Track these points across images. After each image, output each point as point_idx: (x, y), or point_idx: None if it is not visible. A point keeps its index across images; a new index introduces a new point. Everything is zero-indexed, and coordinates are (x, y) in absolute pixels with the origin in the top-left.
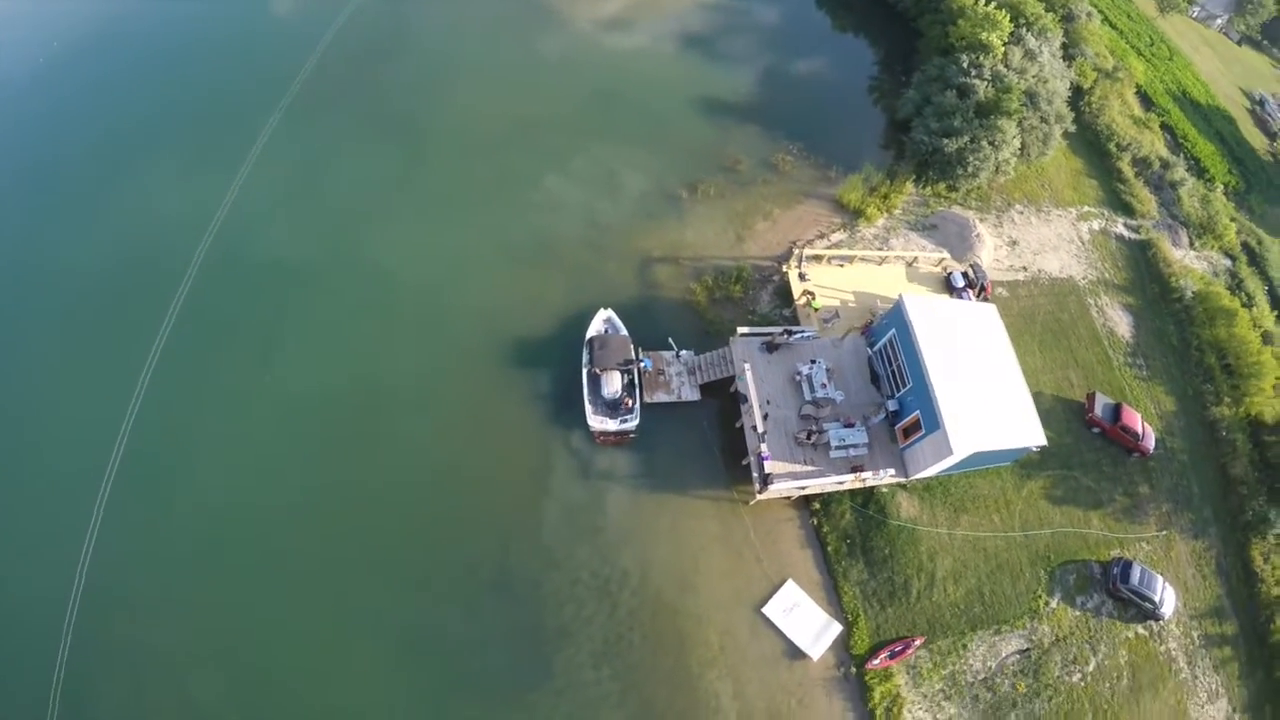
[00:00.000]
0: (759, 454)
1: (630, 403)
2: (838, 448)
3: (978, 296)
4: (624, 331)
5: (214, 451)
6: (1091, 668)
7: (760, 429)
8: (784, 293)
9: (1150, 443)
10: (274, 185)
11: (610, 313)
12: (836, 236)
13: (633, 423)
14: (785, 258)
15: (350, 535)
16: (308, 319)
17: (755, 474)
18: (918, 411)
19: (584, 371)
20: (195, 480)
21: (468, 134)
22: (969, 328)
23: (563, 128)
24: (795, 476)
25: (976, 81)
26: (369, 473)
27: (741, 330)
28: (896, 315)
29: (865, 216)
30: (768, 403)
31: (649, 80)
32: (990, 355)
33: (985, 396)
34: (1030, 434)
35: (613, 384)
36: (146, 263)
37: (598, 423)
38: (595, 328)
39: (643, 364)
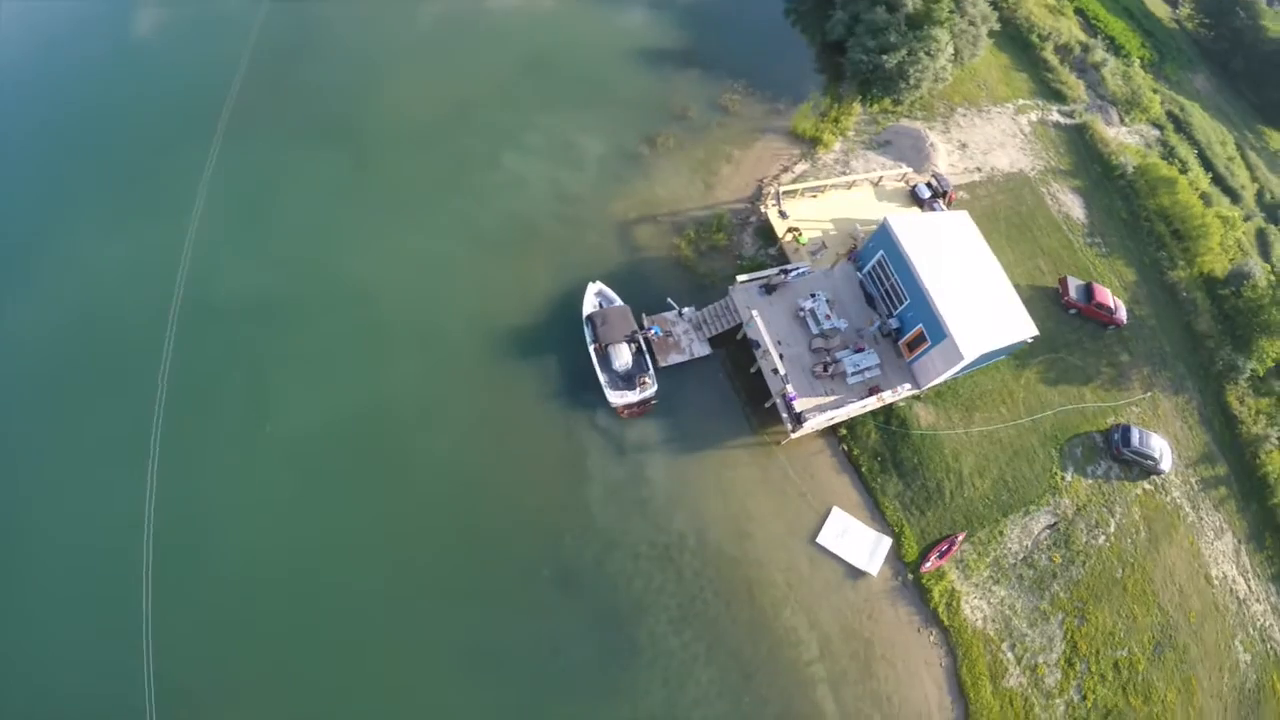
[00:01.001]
0: (785, 395)
1: (645, 371)
2: (854, 374)
3: (947, 205)
4: (619, 301)
5: (241, 519)
6: (1112, 528)
7: (781, 371)
8: (765, 232)
9: (1122, 314)
10: (229, 224)
11: (600, 285)
12: (799, 168)
13: (652, 389)
14: (756, 198)
15: (398, 568)
16: (296, 357)
17: (785, 415)
18: (921, 325)
19: (590, 349)
20: (231, 553)
21: (410, 127)
22: (949, 237)
23: (504, 103)
24: (822, 409)
25: None
26: (400, 500)
27: (740, 278)
28: (883, 237)
29: (822, 143)
30: (779, 343)
31: (574, 39)
32: (973, 259)
33: (979, 299)
34: (1023, 327)
35: (622, 356)
36: (119, 340)
37: (618, 397)
38: (590, 303)
39: (652, 331)
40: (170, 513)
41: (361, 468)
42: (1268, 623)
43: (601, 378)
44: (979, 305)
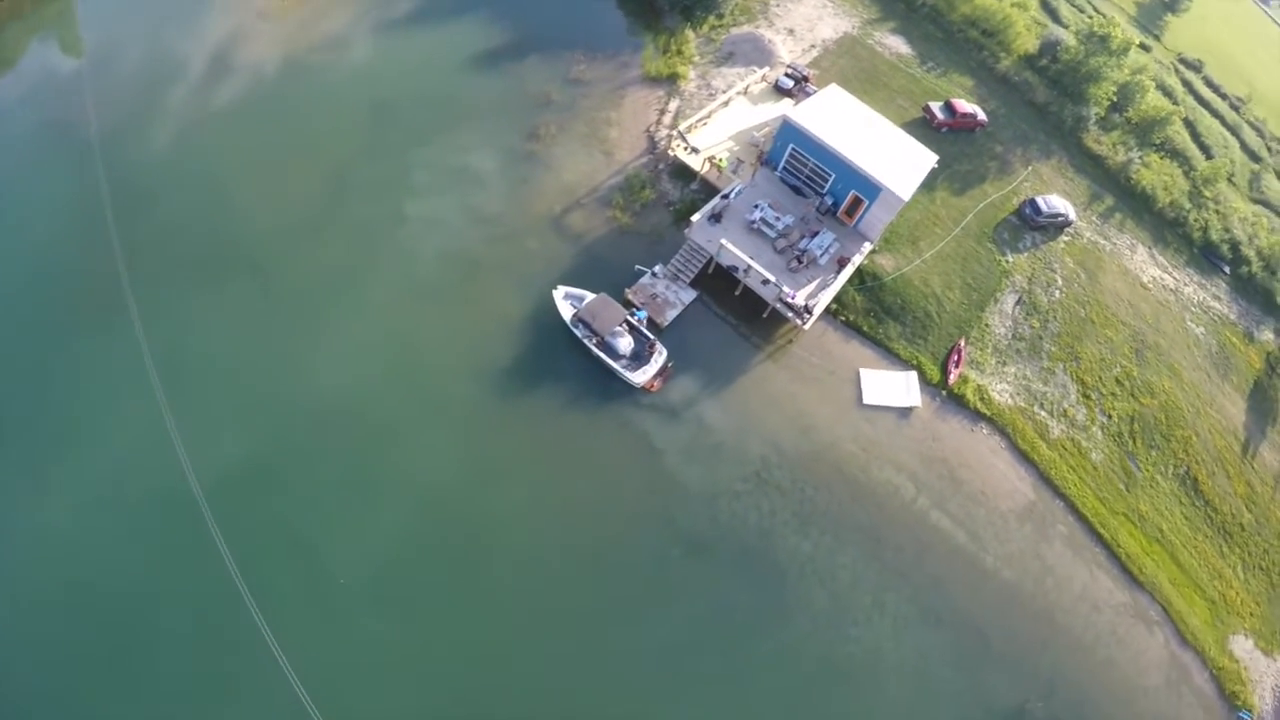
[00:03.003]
0: (784, 298)
1: (649, 341)
2: (822, 254)
3: (814, 86)
4: (590, 295)
5: (385, 679)
6: (1060, 282)
7: (772, 279)
8: (681, 173)
9: (982, 116)
10: (194, 399)
11: (565, 288)
12: (673, 105)
13: (664, 354)
14: (653, 148)
15: (552, 629)
16: (328, 498)
17: (791, 314)
18: (853, 190)
19: (591, 346)
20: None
21: (295, 220)
22: (836, 110)
23: (372, 156)
24: (814, 295)
25: None
26: (511, 569)
27: (694, 218)
28: (789, 131)
29: (679, 77)
30: (752, 258)
31: (408, 70)
32: (862, 120)
33: (886, 149)
34: (926, 157)
35: (623, 340)
36: (179, 568)
37: (639, 375)
38: (564, 310)
39: (637, 316)
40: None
41: (456, 563)
42: (1200, 297)
43: (615, 366)
44: (889, 154)
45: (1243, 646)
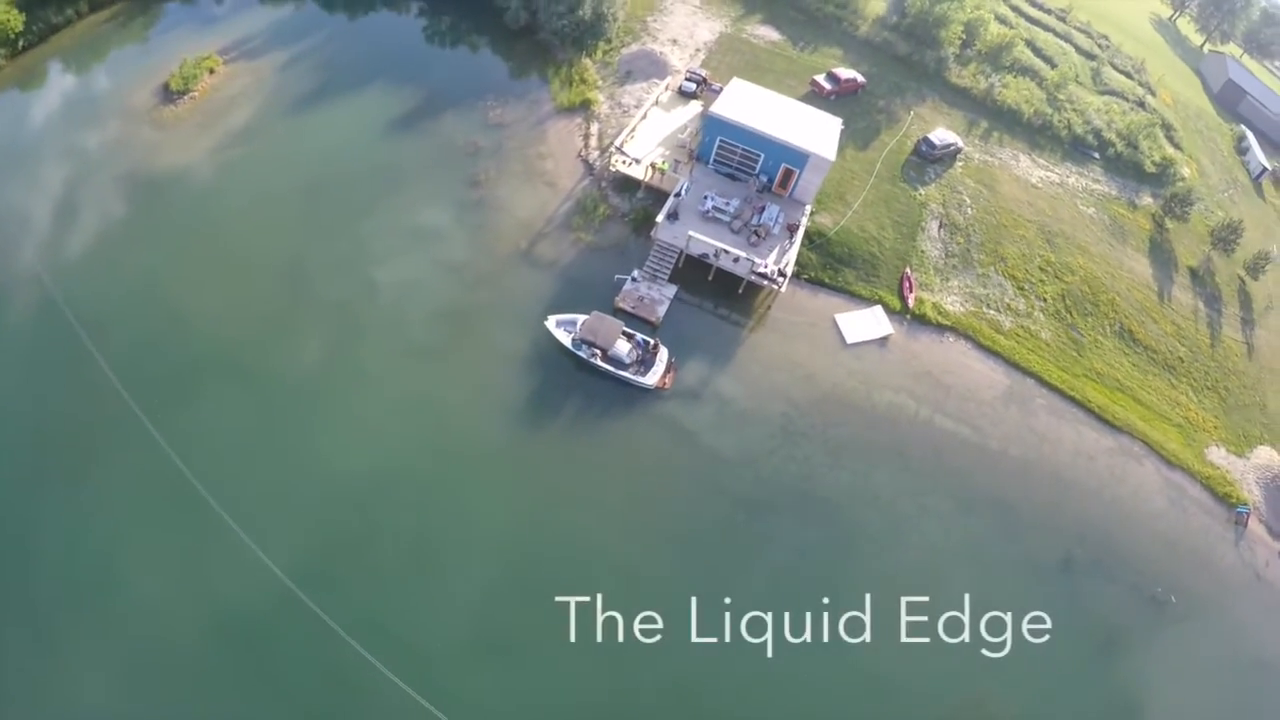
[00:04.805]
0: (758, 269)
1: (649, 344)
2: (774, 225)
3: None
4: (582, 317)
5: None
6: (969, 200)
7: (744, 255)
8: (624, 186)
9: (861, 79)
10: (246, 507)
11: (555, 317)
12: (594, 129)
13: (666, 352)
14: (591, 170)
15: (649, 621)
16: (405, 571)
17: (765, 283)
18: (783, 164)
19: (599, 363)
20: None
21: (269, 317)
22: (747, 99)
23: (324, 235)
24: (780, 261)
25: None
26: (594, 582)
27: (658, 220)
28: (716, 125)
29: (591, 102)
30: (720, 242)
31: (329, 149)
32: (771, 103)
33: (800, 122)
34: (834, 123)
35: (626, 349)
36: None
37: (651, 378)
38: (562, 337)
39: (638, 339)
40: None
41: (546, 595)
42: (1083, 184)
43: (626, 375)
44: (804, 126)
45: (1218, 455)
